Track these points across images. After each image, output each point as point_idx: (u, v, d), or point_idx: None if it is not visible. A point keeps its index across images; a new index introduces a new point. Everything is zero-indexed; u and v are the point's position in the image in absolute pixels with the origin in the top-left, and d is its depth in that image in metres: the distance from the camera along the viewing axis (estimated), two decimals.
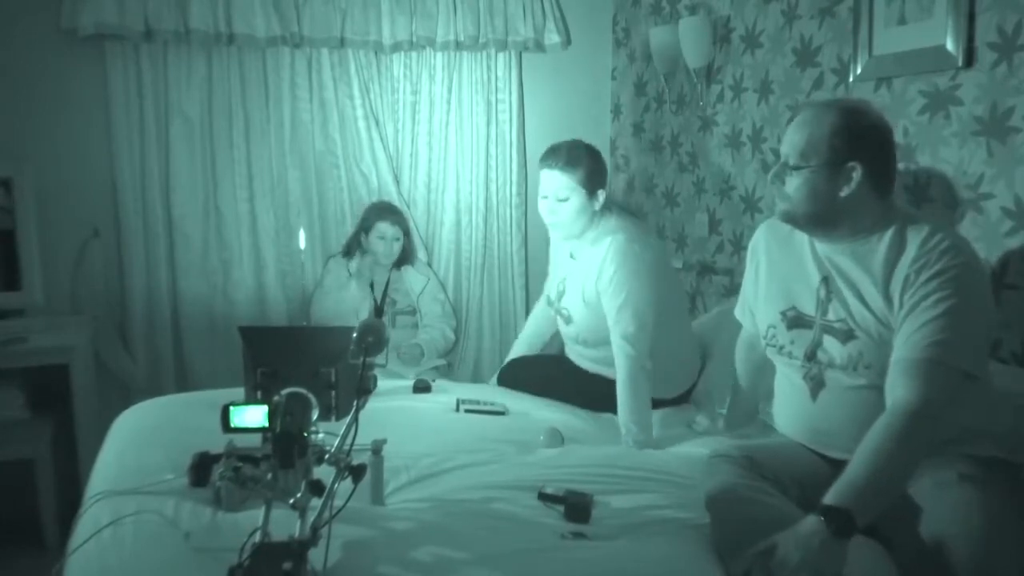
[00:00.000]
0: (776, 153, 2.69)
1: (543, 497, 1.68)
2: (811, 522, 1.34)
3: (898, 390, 1.46)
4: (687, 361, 2.49)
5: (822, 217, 1.61)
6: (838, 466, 1.61)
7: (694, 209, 3.18)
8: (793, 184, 1.61)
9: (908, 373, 1.46)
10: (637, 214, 3.03)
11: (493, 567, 1.39)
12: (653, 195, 3.44)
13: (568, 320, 2.46)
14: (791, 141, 1.62)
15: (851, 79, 2.34)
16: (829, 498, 1.36)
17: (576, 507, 1.62)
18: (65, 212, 3.03)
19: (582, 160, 2.32)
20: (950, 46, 2.00)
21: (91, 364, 2.89)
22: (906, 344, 1.48)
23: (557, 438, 2.10)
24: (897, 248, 1.55)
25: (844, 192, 1.57)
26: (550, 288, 2.59)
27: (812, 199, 1.59)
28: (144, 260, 3.12)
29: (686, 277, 3.20)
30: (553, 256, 2.63)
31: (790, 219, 1.66)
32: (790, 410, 1.75)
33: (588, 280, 2.35)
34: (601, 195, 2.34)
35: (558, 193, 2.33)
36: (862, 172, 1.56)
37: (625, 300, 2.24)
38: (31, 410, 2.79)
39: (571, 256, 2.47)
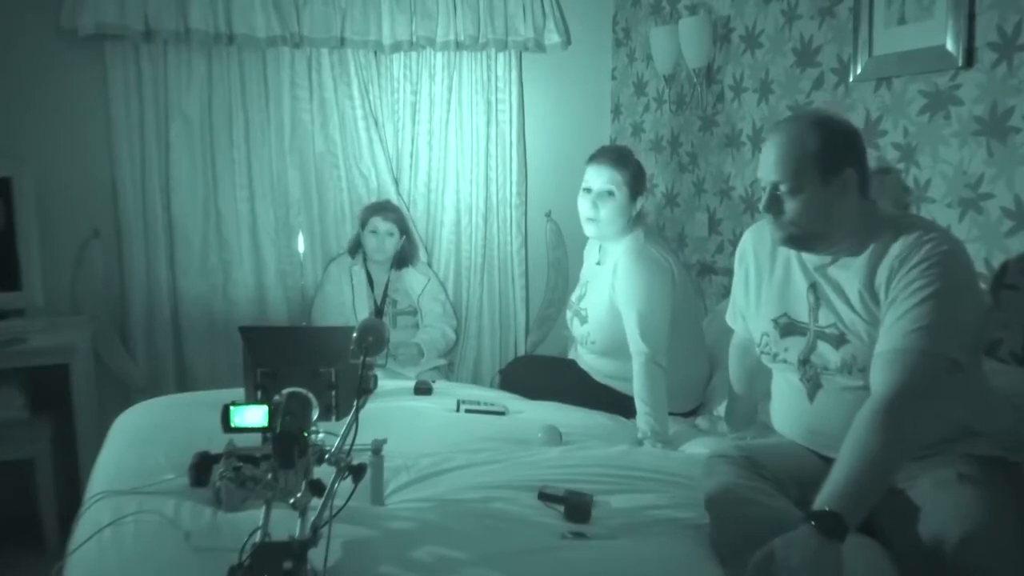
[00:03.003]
0: None
1: (543, 497, 1.68)
2: (803, 530, 1.33)
3: (877, 382, 1.45)
4: (699, 379, 2.51)
5: (826, 231, 1.59)
6: None
7: (694, 209, 3.19)
8: (794, 208, 1.57)
9: (888, 364, 1.45)
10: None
11: (493, 567, 1.39)
12: (653, 195, 3.44)
13: (584, 320, 2.48)
14: (778, 166, 1.57)
15: (851, 79, 2.34)
16: (818, 503, 1.36)
17: (576, 507, 1.62)
18: (65, 212, 3.03)
19: (630, 161, 2.41)
20: (950, 46, 2.00)
21: (91, 364, 2.89)
22: (887, 335, 1.48)
23: (555, 436, 2.10)
24: (882, 249, 1.56)
25: (843, 201, 1.57)
26: (574, 293, 2.61)
27: (819, 216, 1.57)
28: (144, 260, 3.12)
29: (683, 277, 3.20)
30: (584, 264, 2.66)
31: (795, 242, 1.62)
32: (787, 411, 1.75)
33: (608, 282, 2.38)
34: (640, 202, 2.40)
35: (606, 186, 2.37)
36: (855, 178, 1.57)
37: (637, 296, 2.28)
38: (31, 410, 2.78)
39: (597, 263, 2.50)
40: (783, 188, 1.57)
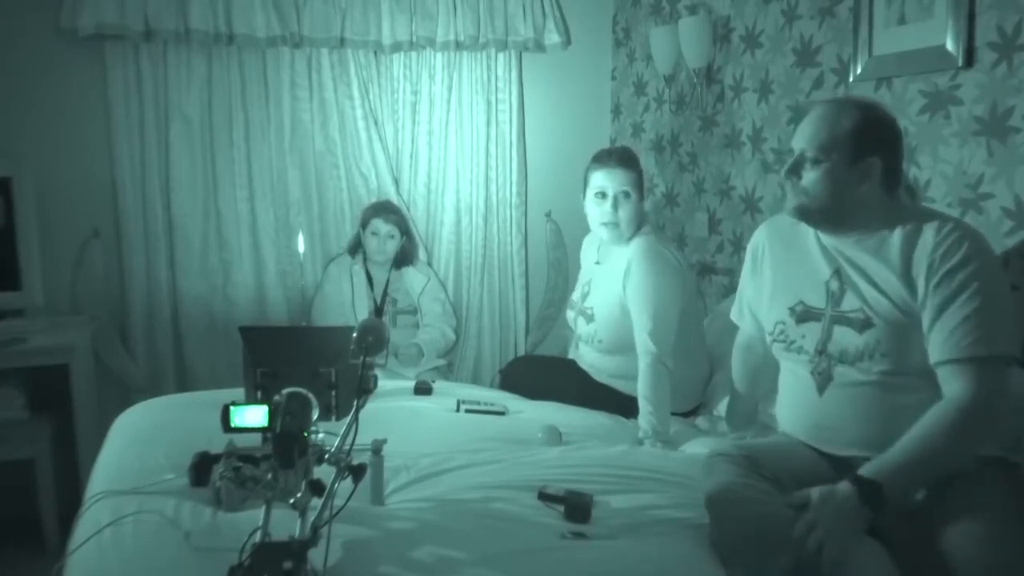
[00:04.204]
0: (776, 152, 2.70)
1: (543, 497, 1.68)
2: (844, 486, 1.42)
3: (953, 387, 1.48)
4: (699, 379, 2.51)
5: (837, 211, 1.62)
6: (840, 464, 1.62)
7: (694, 209, 3.19)
8: (811, 177, 1.61)
9: (960, 372, 1.48)
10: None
11: (493, 567, 1.39)
12: (653, 195, 3.44)
13: (590, 319, 2.47)
14: (809, 135, 1.62)
15: (851, 79, 2.34)
16: (864, 470, 1.44)
17: (576, 507, 1.62)
18: (65, 212, 3.03)
19: (637, 161, 2.43)
20: (950, 46, 2.00)
21: (91, 364, 2.88)
22: (947, 344, 1.49)
23: (555, 436, 2.10)
24: (912, 237, 1.57)
25: (862, 187, 1.59)
26: (575, 293, 2.61)
27: (831, 193, 1.60)
28: (144, 260, 3.12)
29: (688, 277, 3.20)
30: (581, 265, 2.66)
31: (804, 213, 1.66)
32: (795, 406, 1.75)
33: (616, 281, 2.37)
34: (647, 203, 2.40)
35: (623, 187, 2.37)
36: (880, 168, 1.59)
37: (650, 297, 2.28)
38: (31, 410, 2.78)
39: (597, 262, 2.50)
40: (808, 156, 1.62)
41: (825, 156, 1.60)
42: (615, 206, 2.36)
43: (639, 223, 2.41)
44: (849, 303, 1.63)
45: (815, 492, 1.44)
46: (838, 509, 1.39)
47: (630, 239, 2.39)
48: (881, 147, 1.60)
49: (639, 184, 2.39)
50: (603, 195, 2.38)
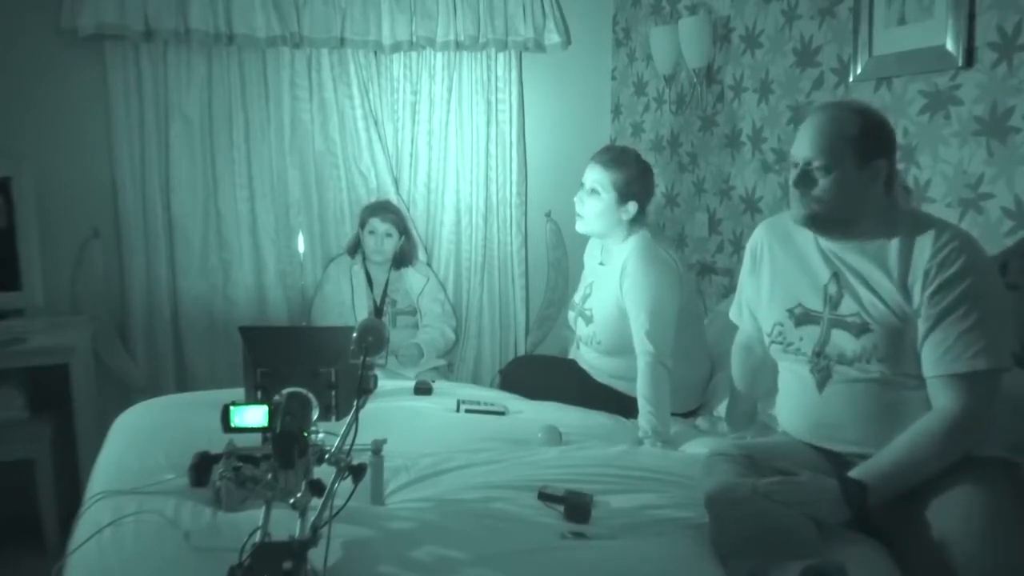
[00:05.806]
0: (776, 153, 2.70)
1: (543, 497, 1.68)
2: (833, 481, 1.50)
3: (944, 400, 1.50)
4: (699, 379, 2.51)
5: (848, 217, 1.62)
6: (841, 462, 1.62)
7: (694, 209, 3.19)
8: (824, 186, 1.60)
9: (951, 386, 1.50)
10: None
11: (493, 567, 1.39)
12: (653, 195, 3.43)
13: (589, 320, 2.48)
14: (814, 144, 1.60)
15: (851, 79, 2.34)
16: (853, 472, 1.50)
17: (576, 507, 1.62)
18: (65, 212, 3.03)
19: (626, 165, 2.41)
20: (950, 46, 2.00)
21: (91, 364, 2.89)
22: (942, 360, 1.50)
23: (555, 436, 2.10)
24: (910, 244, 1.57)
25: (871, 189, 1.60)
26: (576, 294, 2.62)
27: (843, 199, 1.60)
28: (144, 260, 3.12)
29: (686, 277, 3.20)
30: (585, 265, 2.66)
31: (815, 221, 1.64)
32: (796, 405, 1.75)
33: (614, 281, 2.38)
34: (632, 207, 2.40)
35: (591, 184, 2.41)
36: (885, 170, 1.60)
37: (647, 296, 2.28)
38: (31, 410, 2.78)
39: (600, 263, 2.50)
40: (816, 164, 1.60)
41: (835, 163, 1.58)
42: (581, 199, 2.43)
43: (612, 223, 2.40)
44: (847, 307, 1.63)
45: (806, 473, 1.53)
46: (823, 488, 1.49)
47: (599, 235, 2.45)
48: (884, 149, 1.61)
49: (618, 187, 2.37)
50: (582, 186, 2.45)
